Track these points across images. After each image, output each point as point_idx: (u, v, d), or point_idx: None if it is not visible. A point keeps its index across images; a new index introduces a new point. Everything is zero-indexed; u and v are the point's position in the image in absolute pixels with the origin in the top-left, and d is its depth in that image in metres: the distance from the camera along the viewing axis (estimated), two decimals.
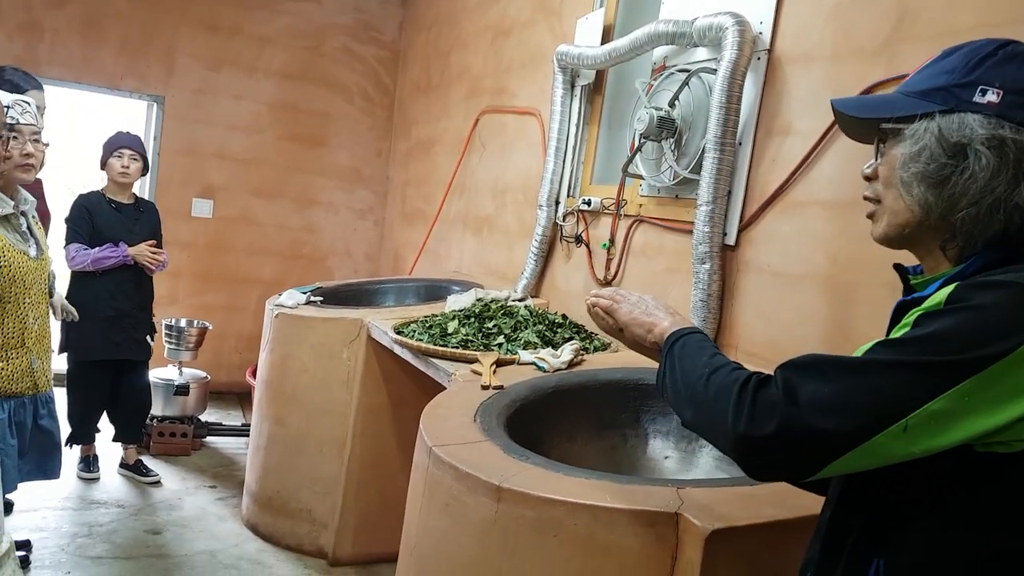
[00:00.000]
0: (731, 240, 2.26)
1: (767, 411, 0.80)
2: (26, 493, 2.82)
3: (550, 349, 2.24)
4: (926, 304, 0.82)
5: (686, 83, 2.42)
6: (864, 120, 0.94)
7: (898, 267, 1.02)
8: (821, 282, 1.96)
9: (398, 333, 2.46)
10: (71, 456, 3.51)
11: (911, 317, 0.82)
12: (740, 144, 2.25)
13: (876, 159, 0.94)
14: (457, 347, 2.27)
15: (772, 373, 0.84)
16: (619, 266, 2.78)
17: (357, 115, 5.32)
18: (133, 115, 5.03)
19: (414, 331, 2.45)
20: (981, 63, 0.86)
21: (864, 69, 1.90)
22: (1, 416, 2.03)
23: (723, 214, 2.25)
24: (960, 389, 0.74)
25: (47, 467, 2.23)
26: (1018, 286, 0.77)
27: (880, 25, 1.88)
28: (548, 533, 1.32)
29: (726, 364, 0.93)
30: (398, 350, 2.47)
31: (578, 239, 3.01)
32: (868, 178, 0.95)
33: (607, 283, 2.82)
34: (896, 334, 0.84)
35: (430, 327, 2.45)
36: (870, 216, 0.95)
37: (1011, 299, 0.76)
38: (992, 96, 0.84)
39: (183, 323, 4.19)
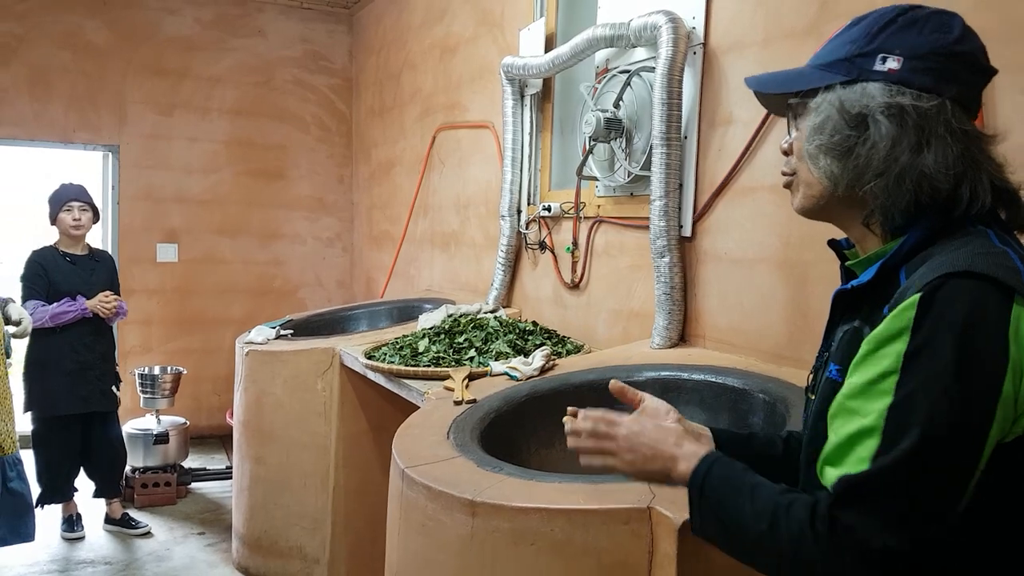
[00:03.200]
0: (687, 232, 2.28)
1: (858, 558, 0.74)
2: (7, 559, 2.76)
3: (521, 357, 2.25)
4: (886, 329, 0.77)
5: (627, 83, 2.45)
6: (776, 95, 0.96)
7: (832, 243, 1.04)
8: (777, 264, 1.99)
9: (369, 358, 2.45)
10: (53, 517, 3.44)
11: (872, 347, 0.78)
12: (686, 138, 2.28)
13: (790, 133, 0.95)
14: (429, 365, 2.27)
15: (820, 502, 0.79)
16: (584, 267, 2.80)
17: (314, 144, 5.31)
18: (86, 165, 4.98)
19: (385, 354, 2.44)
20: (882, 31, 0.86)
21: (796, 51, 1.93)
22: None
23: (676, 207, 2.28)
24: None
25: (21, 530, 2.19)
26: (970, 284, 0.75)
27: (806, 6, 1.92)
28: (525, 543, 1.32)
29: (773, 502, 0.83)
30: (371, 375, 2.46)
31: (542, 245, 3.02)
32: (785, 152, 0.96)
33: (575, 285, 2.84)
34: (861, 366, 0.79)
35: (401, 348, 2.45)
36: (787, 187, 0.96)
37: (974, 311, 0.74)
38: (893, 63, 0.84)
39: (156, 370, 4.14)
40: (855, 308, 0.90)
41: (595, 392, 2.08)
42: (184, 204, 4.95)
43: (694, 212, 2.27)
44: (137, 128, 4.80)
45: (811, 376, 1.00)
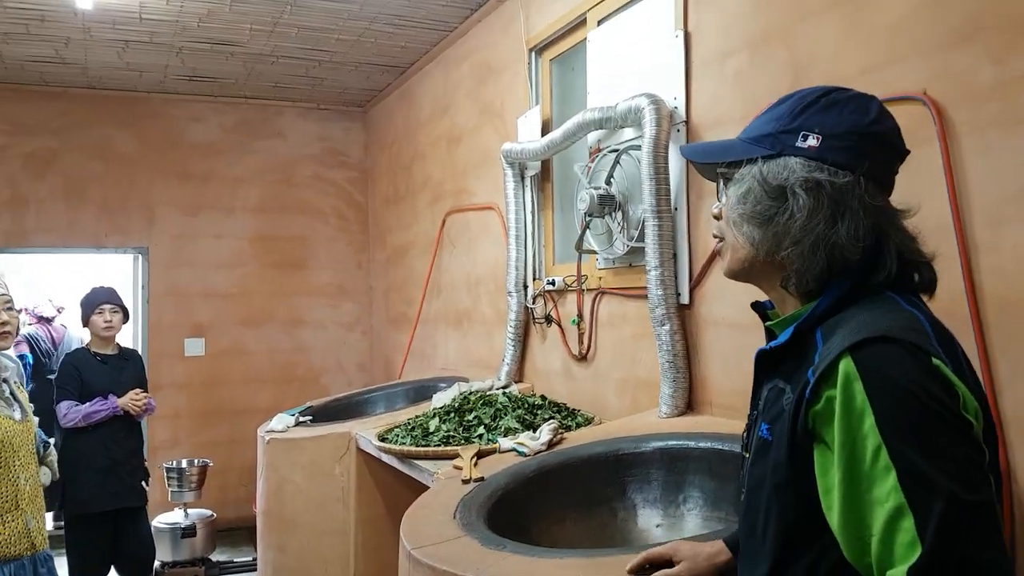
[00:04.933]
0: (685, 299, 2.34)
1: None
2: None
3: (529, 432, 2.28)
4: (846, 414, 0.79)
5: (616, 161, 2.57)
6: (707, 164, 1.03)
7: (755, 305, 1.10)
8: None
9: (382, 440, 2.50)
10: None
11: (844, 436, 0.79)
12: (676, 209, 2.37)
13: (720, 199, 1.02)
14: (439, 445, 2.31)
15: None
16: (591, 339, 2.85)
17: (333, 234, 5.52)
18: (119, 266, 5.22)
19: (397, 435, 2.49)
20: (805, 110, 0.94)
21: None
22: None
23: (672, 276, 2.34)
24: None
25: None
26: (891, 348, 0.80)
27: (778, 83, 2.03)
28: None
29: None
30: (384, 457, 2.51)
31: (548, 319, 3.09)
32: (716, 217, 1.03)
33: (583, 357, 2.88)
34: (847, 458, 0.80)
35: (412, 429, 2.50)
36: (716, 252, 1.03)
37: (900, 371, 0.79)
38: (812, 141, 0.91)
39: (183, 463, 4.21)
40: (776, 367, 0.95)
41: (604, 464, 2.10)
42: (210, 299, 5.14)
43: (690, 280, 2.34)
44: (165, 229, 5.06)
45: (744, 435, 1.04)
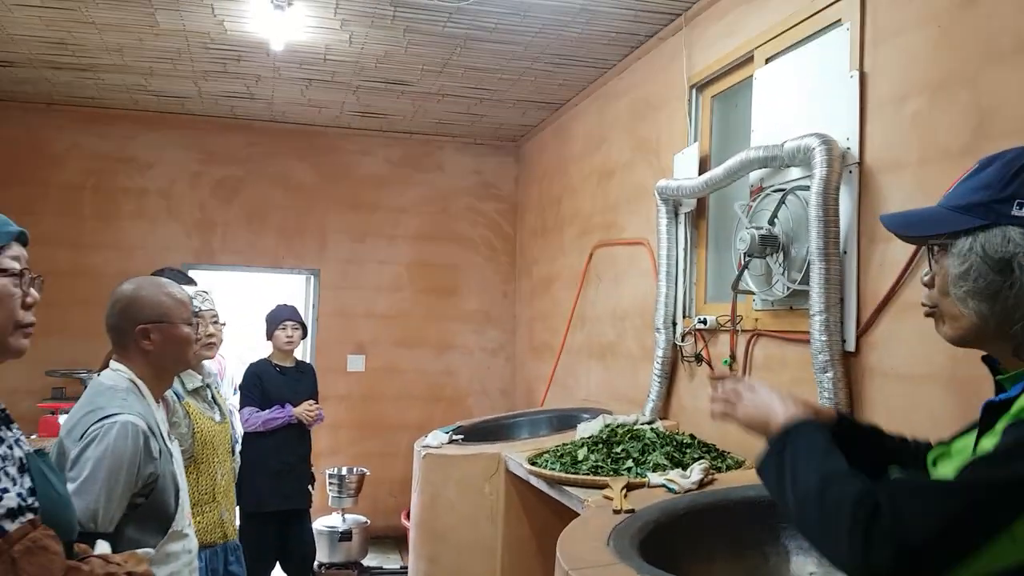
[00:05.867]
0: (851, 347, 2.26)
1: (882, 543, 0.83)
2: None
3: (679, 470, 2.28)
4: (1014, 409, 0.86)
5: (782, 201, 2.54)
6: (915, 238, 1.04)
7: (986, 359, 1.07)
8: (945, 381, 1.93)
9: (532, 464, 2.59)
10: None
11: (1001, 424, 0.86)
12: (845, 253, 2.31)
13: (930, 267, 1.02)
14: (588, 473, 2.37)
15: (878, 490, 0.88)
16: None
17: (482, 263, 5.78)
18: (292, 286, 5.75)
19: (547, 461, 2.58)
20: (1016, 176, 0.93)
21: (951, 170, 1.95)
22: (200, 565, 2.32)
23: (839, 321, 2.28)
24: None
25: None
26: None
27: (961, 126, 1.95)
28: None
29: (838, 471, 0.95)
30: (533, 480, 2.59)
31: (698, 358, 3.07)
32: (927, 285, 1.03)
33: None
34: (987, 443, 0.88)
35: (561, 456, 2.57)
36: (929, 315, 1.02)
37: None
38: None
39: (344, 471, 4.53)
40: (995, 421, 0.94)
41: (758, 509, 2.06)
42: (371, 319, 5.54)
43: (857, 327, 2.26)
44: (335, 254, 5.52)
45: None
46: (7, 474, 1.02)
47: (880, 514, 0.85)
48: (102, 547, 1.30)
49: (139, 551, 1.33)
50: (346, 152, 5.62)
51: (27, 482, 1.05)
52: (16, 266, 1.16)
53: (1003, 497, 0.80)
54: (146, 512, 1.60)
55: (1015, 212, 0.91)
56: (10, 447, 1.05)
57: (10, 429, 1.09)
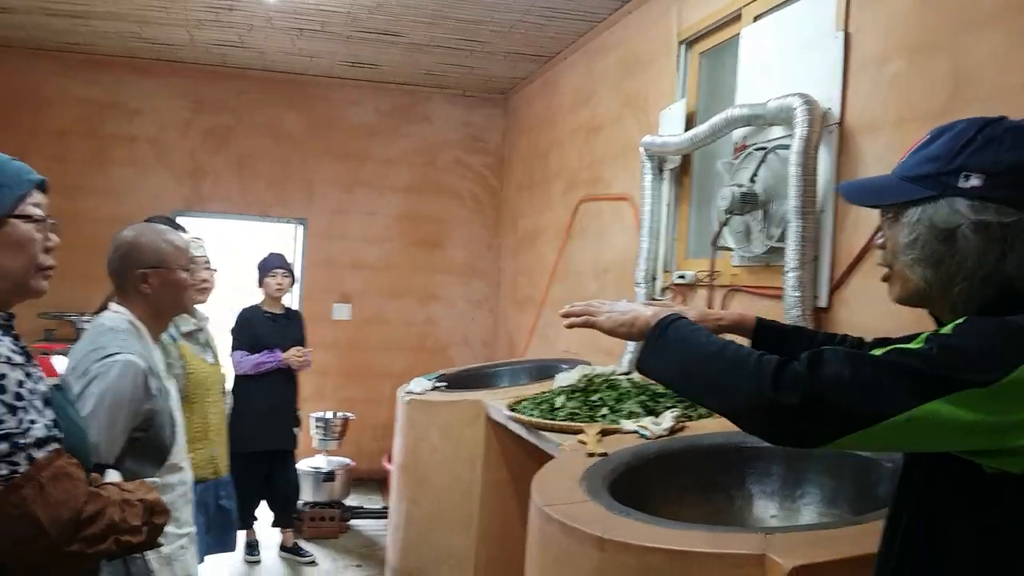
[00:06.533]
0: (823, 303, 2.34)
1: (792, 382, 0.88)
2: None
3: (652, 417, 2.38)
4: (942, 329, 0.92)
5: (763, 160, 2.59)
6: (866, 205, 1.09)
7: (931, 315, 1.14)
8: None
9: (511, 410, 2.68)
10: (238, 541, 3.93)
11: (924, 334, 0.92)
12: (822, 211, 2.37)
13: (885, 232, 1.06)
14: (565, 420, 2.46)
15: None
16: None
17: (469, 216, 5.81)
18: (281, 235, 5.76)
19: (525, 407, 2.67)
20: (963, 149, 0.95)
21: (926, 132, 2.00)
22: (192, 499, 2.41)
23: (812, 278, 2.35)
24: (953, 399, 0.84)
25: (227, 541, 2.60)
26: (1015, 324, 0.88)
27: (938, 90, 2.00)
28: None
29: (731, 342, 1.01)
30: (512, 426, 2.69)
31: None
32: (880, 247, 1.08)
33: None
34: (912, 345, 0.92)
35: (540, 403, 2.66)
36: (885, 279, 1.08)
37: (1004, 333, 0.87)
38: (975, 181, 0.93)
39: (329, 415, 4.63)
40: None
41: (725, 454, 2.17)
42: (359, 270, 5.58)
43: (830, 283, 2.33)
44: (323, 204, 5.53)
45: None
46: (35, 407, 1.08)
47: (791, 363, 0.90)
48: (113, 475, 1.37)
49: (147, 480, 1.40)
50: (336, 102, 5.58)
51: (50, 414, 1.11)
52: (39, 212, 1.20)
53: (909, 384, 0.85)
54: (144, 446, 1.67)
55: (962, 184, 0.94)
56: (36, 382, 1.11)
57: (35, 365, 1.15)
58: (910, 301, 1.05)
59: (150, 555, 1.61)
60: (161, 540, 1.27)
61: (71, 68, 5.09)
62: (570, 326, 1.32)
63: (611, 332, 1.24)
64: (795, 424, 0.89)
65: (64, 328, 4.61)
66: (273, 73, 5.45)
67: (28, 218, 1.19)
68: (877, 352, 0.91)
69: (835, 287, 2.31)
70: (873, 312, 2.17)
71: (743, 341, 1.36)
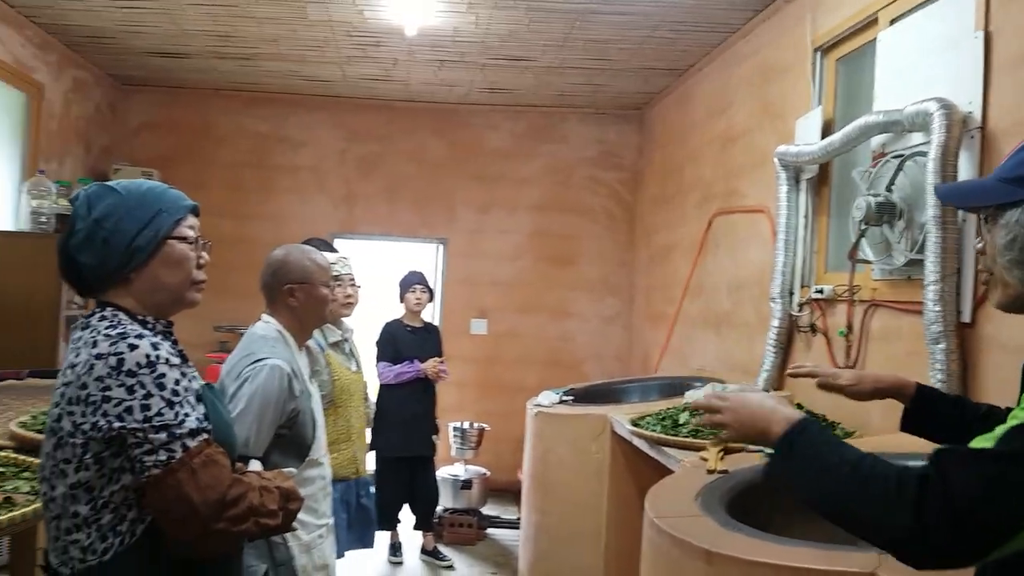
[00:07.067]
0: (966, 318, 2.19)
1: (935, 504, 0.82)
2: (345, 571, 3.49)
3: None
4: None
5: (900, 168, 2.46)
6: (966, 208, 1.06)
7: None
8: None
9: (635, 425, 2.71)
10: (380, 543, 4.21)
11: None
12: (964, 221, 2.22)
13: (983, 236, 1.04)
14: (687, 436, 2.46)
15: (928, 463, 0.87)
16: (858, 352, 2.75)
17: (601, 232, 5.87)
18: (421, 254, 6.13)
19: (649, 423, 2.68)
20: None
21: None
22: (334, 495, 2.66)
23: (954, 291, 2.20)
24: None
25: (366, 538, 2.82)
26: None
27: None
28: None
29: (865, 455, 0.93)
30: (636, 440, 2.71)
31: (813, 328, 3.03)
32: (980, 252, 1.05)
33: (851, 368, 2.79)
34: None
35: (663, 419, 2.67)
36: (985, 284, 1.05)
37: None
38: None
39: (466, 425, 4.86)
40: None
41: None
42: (494, 286, 5.82)
43: (974, 297, 2.17)
44: (462, 224, 5.83)
45: None
46: (189, 402, 1.28)
47: (928, 480, 0.84)
48: (254, 465, 1.58)
49: (284, 470, 1.60)
50: (474, 127, 5.87)
51: (201, 409, 1.31)
52: (192, 234, 1.43)
53: None
54: (288, 441, 1.90)
55: None
56: (190, 380, 1.32)
57: (189, 367, 1.37)
58: (1012, 306, 1.01)
59: (291, 542, 1.82)
60: (297, 526, 1.44)
61: (242, 105, 5.76)
62: (700, 422, 1.27)
63: (739, 437, 1.17)
64: (946, 547, 0.85)
65: (235, 340, 5.16)
66: (416, 103, 5.84)
67: (184, 239, 1.39)
68: (995, 438, 0.85)
69: (980, 301, 2.15)
70: (1022, 327, 1.99)
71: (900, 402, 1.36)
